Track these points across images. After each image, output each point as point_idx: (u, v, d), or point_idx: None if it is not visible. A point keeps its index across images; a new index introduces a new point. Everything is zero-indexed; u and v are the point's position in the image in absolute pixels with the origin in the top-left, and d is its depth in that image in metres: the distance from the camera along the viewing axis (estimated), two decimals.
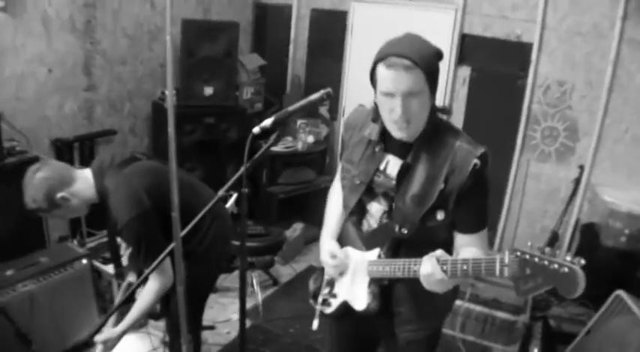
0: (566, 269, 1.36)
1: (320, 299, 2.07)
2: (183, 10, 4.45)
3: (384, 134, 1.82)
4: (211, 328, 3.61)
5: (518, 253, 1.44)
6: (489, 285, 3.63)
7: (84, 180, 2.29)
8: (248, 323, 3.65)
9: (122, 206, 2.19)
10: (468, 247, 1.75)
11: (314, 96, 1.76)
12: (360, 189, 1.89)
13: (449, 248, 1.75)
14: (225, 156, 4.37)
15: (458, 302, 3.44)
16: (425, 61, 1.61)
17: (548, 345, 3.46)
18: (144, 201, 2.20)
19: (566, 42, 4.06)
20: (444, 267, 1.58)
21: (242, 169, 1.72)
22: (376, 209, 1.89)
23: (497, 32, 4.26)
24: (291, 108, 1.77)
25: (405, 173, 1.77)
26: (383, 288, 1.87)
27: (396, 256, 1.82)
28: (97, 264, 3.55)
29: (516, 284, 1.45)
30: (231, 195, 1.78)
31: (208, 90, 4.07)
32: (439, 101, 4.63)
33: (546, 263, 1.39)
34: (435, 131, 1.76)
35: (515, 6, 4.16)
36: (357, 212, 1.95)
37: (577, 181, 4.17)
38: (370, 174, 1.86)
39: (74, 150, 3.79)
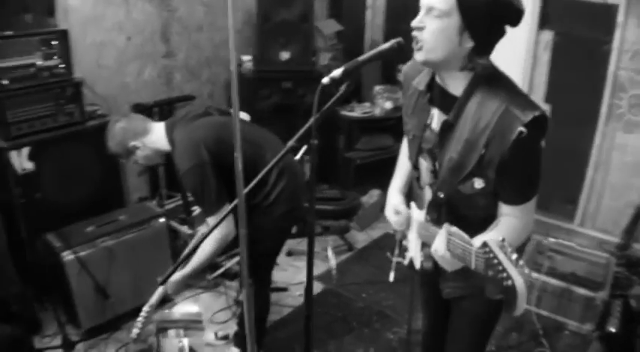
0: (509, 283, 1.30)
1: (396, 251, 2.13)
2: None
3: (432, 85, 1.76)
4: (284, 290, 3.77)
5: (487, 249, 1.37)
6: (568, 259, 3.57)
7: (157, 131, 2.56)
8: (321, 286, 3.80)
9: (182, 156, 2.42)
10: (507, 217, 1.69)
11: (384, 46, 1.73)
12: (415, 142, 1.86)
13: (491, 213, 1.72)
14: (302, 121, 4.37)
15: (534, 275, 3.40)
16: None
17: (628, 325, 3.35)
18: (201, 154, 2.39)
19: None
20: (450, 246, 1.57)
21: (311, 120, 1.72)
22: (424, 166, 1.87)
23: None
24: (361, 58, 1.74)
25: (446, 132, 1.70)
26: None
27: (439, 219, 1.81)
28: (174, 224, 3.78)
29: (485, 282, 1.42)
30: (300, 147, 1.80)
31: (285, 55, 4.15)
32: (518, 67, 4.49)
33: (500, 268, 1.33)
34: (483, 86, 1.64)
35: None
36: (416, 167, 1.92)
37: None
38: (421, 128, 1.82)
39: (154, 115, 3.99)
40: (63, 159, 3.29)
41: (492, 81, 1.66)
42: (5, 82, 3.01)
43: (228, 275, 3.80)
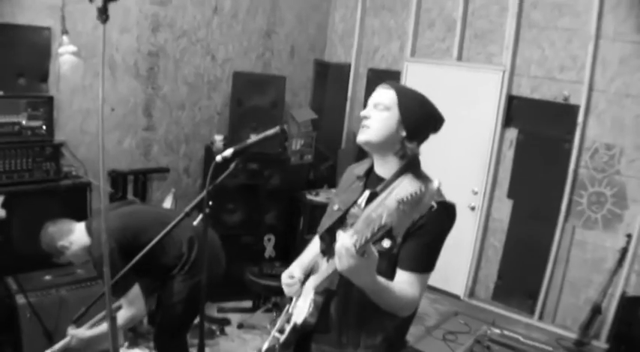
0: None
1: (277, 325, 2.24)
2: (244, 63, 5.10)
3: (370, 173, 2.10)
4: None
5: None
6: (504, 349, 3.69)
7: (79, 229, 3.03)
8: None
9: (94, 246, 2.88)
10: (399, 283, 1.86)
11: (269, 132, 2.13)
12: (336, 215, 2.11)
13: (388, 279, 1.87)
14: (265, 201, 4.82)
15: None
16: (402, 90, 2.01)
17: None
18: (110, 243, 2.76)
19: (614, 104, 4.23)
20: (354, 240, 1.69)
21: (204, 192, 2.08)
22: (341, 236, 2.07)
23: (545, 94, 4.51)
24: (249, 141, 2.14)
25: (370, 201, 2.00)
26: (323, 305, 2.03)
27: (341, 278, 1.95)
28: None
29: None
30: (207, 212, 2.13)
31: (253, 138, 4.57)
32: (483, 162, 4.79)
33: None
34: (409, 173, 1.98)
35: (564, 67, 4.42)
36: (326, 238, 2.13)
37: (624, 251, 4.20)
38: (348, 203, 2.09)
39: (128, 182, 4.40)
40: (34, 211, 3.61)
41: (418, 171, 2.03)
42: None
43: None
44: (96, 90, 4.14)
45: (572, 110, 4.38)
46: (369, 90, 5.47)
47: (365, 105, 2.06)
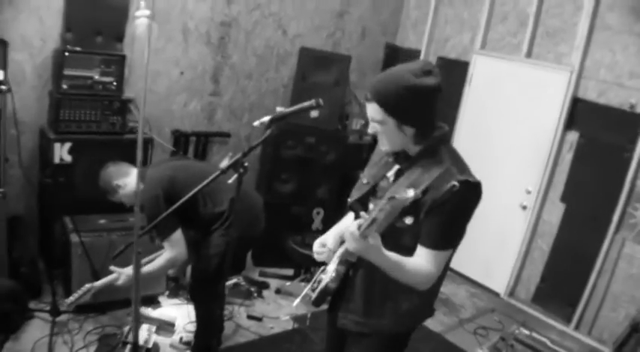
0: None
1: (310, 284, 2.41)
2: (314, 40, 5.30)
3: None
4: (259, 319, 4.24)
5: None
6: (528, 351, 3.73)
7: (135, 175, 3.32)
8: (294, 325, 4.23)
9: (144, 191, 3.11)
10: (417, 257, 2.00)
11: (305, 104, 2.32)
12: (364, 188, 2.24)
13: (409, 254, 2.01)
14: (318, 175, 5.03)
15: None
16: (381, 96, 1.96)
17: None
18: (157, 189, 3.13)
19: None
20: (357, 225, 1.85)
21: (239, 155, 2.29)
22: (371, 208, 2.18)
23: (611, 99, 4.41)
24: (285, 110, 2.36)
25: (398, 178, 2.11)
26: (344, 274, 2.20)
27: None
28: None
29: None
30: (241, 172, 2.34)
31: (314, 114, 4.78)
32: (542, 161, 4.74)
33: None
34: (435, 153, 2.04)
35: (633, 74, 4.29)
36: (356, 208, 2.24)
37: None
38: (378, 177, 2.21)
39: (190, 143, 4.75)
40: (96, 160, 3.96)
41: (443, 148, 2.08)
42: (65, 86, 3.87)
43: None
44: (168, 54, 4.50)
45: (637, 119, 4.25)
46: None
47: None
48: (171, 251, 3.17)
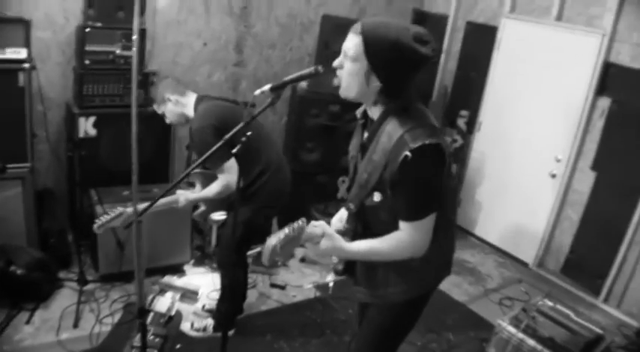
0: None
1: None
2: (338, 8, 5.26)
3: (365, 113, 2.18)
4: (282, 288, 4.37)
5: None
6: (551, 323, 3.71)
7: (190, 98, 3.43)
8: (316, 293, 4.34)
9: (196, 120, 3.25)
10: (399, 231, 2.01)
11: (306, 71, 2.29)
12: (352, 162, 2.28)
13: (391, 228, 2.02)
14: (343, 144, 5.00)
15: (512, 330, 3.61)
16: (372, 35, 1.88)
17: None
18: (210, 120, 3.18)
19: None
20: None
21: (241, 124, 2.36)
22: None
23: None
24: (286, 78, 2.33)
25: (362, 153, 2.11)
26: None
27: (355, 229, 2.18)
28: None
29: None
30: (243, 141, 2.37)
31: (337, 81, 4.77)
32: (572, 128, 4.60)
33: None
34: (393, 117, 1.98)
35: None
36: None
37: None
38: (357, 147, 2.21)
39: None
40: (121, 133, 4.11)
41: (403, 113, 1.99)
42: (87, 61, 3.99)
43: None
44: (190, 25, 4.56)
45: None
46: (466, 44, 5.57)
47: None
48: (225, 177, 3.21)
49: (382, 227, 2.03)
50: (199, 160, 2.57)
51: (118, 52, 4.09)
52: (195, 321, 3.77)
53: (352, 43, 1.94)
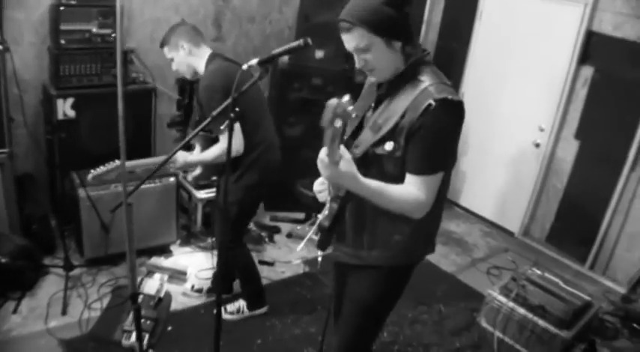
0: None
1: (314, 228, 2.34)
2: None
3: None
4: (270, 264, 4.38)
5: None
6: (541, 291, 3.76)
7: (203, 53, 3.28)
8: (305, 268, 4.35)
9: (205, 78, 3.16)
10: (407, 185, 1.99)
11: (293, 44, 2.24)
12: (354, 122, 2.21)
13: (397, 183, 2.00)
14: None
15: (502, 299, 3.66)
16: (364, 17, 1.90)
17: None
18: (219, 81, 3.06)
19: None
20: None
21: (229, 99, 2.25)
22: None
23: (628, 33, 4.24)
24: (274, 51, 2.28)
25: (379, 104, 2.10)
26: (338, 211, 2.15)
27: None
28: (189, 186, 4.51)
29: None
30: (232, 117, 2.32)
31: (319, 54, 4.73)
32: (555, 97, 4.53)
33: None
34: (413, 71, 2.00)
35: None
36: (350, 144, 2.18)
37: None
38: (364, 109, 2.20)
39: (195, 90, 4.73)
40: (100, 114, 4.07)
41: (423, 71, 2.01)
42: (63, 41, 3.87)
43: None
44: (167, 1, 4.45)
45: None
46: (446, 14, 5.51)
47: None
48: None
49: (388, 181, 1.99)
50: (202, 124, 2.49)
51: (94, 30, 3.98)
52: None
53: (356, 38, 1.96)
